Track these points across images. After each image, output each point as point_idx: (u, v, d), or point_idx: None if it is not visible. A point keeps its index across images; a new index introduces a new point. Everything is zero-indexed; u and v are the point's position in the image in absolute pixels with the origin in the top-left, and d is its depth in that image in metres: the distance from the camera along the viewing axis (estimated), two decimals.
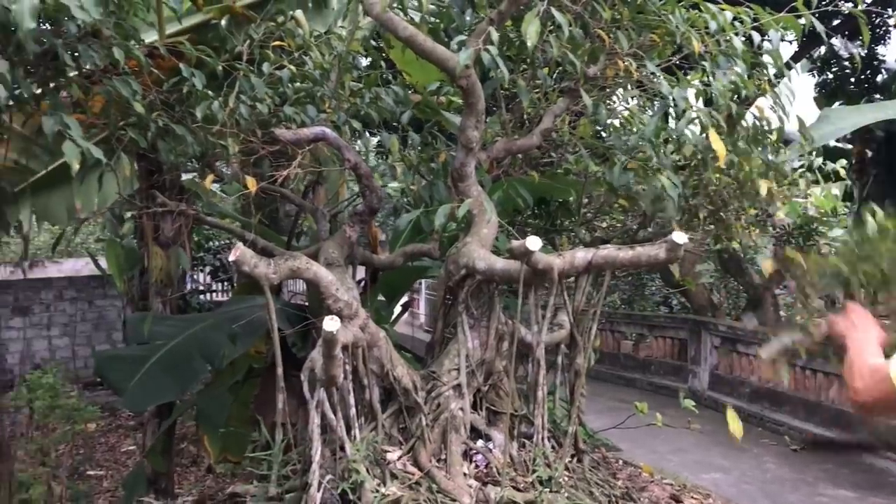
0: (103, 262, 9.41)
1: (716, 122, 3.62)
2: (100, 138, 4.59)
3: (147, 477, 6.01)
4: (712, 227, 5.05)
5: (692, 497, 4.27)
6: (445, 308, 3.97)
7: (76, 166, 3.99)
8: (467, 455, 3.63)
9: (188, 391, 4.77)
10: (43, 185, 6.25)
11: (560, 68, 4.09)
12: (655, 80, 3.71)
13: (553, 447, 3.90)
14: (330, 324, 2.89)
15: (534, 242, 3.22)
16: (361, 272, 5.63)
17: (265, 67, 4.45)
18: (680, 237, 3.36)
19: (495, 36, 3.40)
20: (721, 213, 4.87)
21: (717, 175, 4.50)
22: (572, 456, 3.95)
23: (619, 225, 5.18)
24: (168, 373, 4.60)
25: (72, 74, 3.95)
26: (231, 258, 3.23)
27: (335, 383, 3.14)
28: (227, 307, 5.77)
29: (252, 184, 4.07)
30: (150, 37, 5.91)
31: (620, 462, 4.71)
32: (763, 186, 4.31)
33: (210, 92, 4.35)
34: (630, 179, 3.97)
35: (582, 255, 3.65)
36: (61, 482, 7.42)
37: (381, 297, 5.45)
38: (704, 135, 4.14)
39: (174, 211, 6.00)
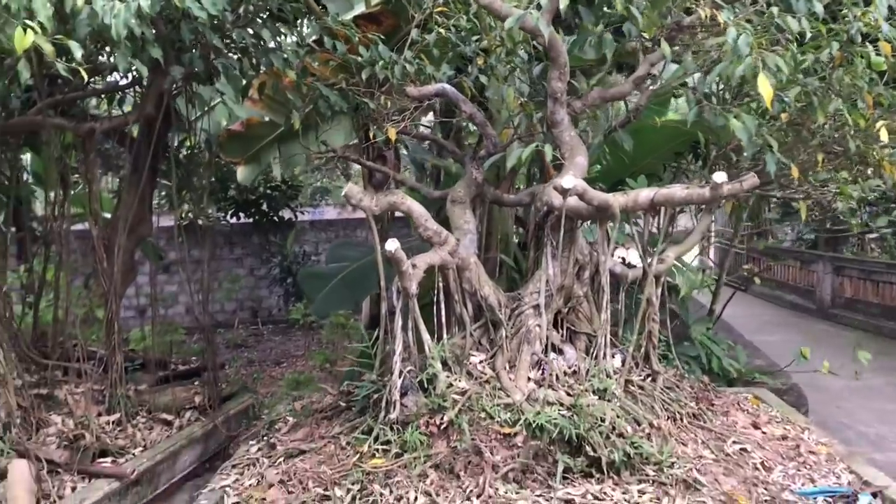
0: None
1: (782, 67, 3.71)
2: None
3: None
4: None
5: (785, 427, 4.36)
6: (536, 240, 4.53)
7: (297, 125, 5.25)
8: (539, 364, 4.23)
9: (359, 304, 5.84)
10: (286, 136, 7.69)
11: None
12: (731, 26, 3.86)
13: (636, 366, 4.38)
14: (389, 244, 3.67)
15: (568, 181, 3.69)
16: None
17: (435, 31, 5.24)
18: (720, 177, 3.62)
19: None
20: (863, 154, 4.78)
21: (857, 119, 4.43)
22: (647, 376, 4.36)
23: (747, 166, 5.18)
24: (347, 289, 5.70)
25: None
26: (342, 193, 4.12)
27: (409, 294, 3.92)
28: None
29: (392, 133, 4.93)
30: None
31: (736, 395, 4.88)
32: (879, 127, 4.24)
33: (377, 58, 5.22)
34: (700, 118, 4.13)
35: (645, 194, 4.03)
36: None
37: None
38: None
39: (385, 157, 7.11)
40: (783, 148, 4.60)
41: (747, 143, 4.00)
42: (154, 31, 4.11)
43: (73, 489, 3.97)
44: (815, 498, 3.64)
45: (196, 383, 5.72)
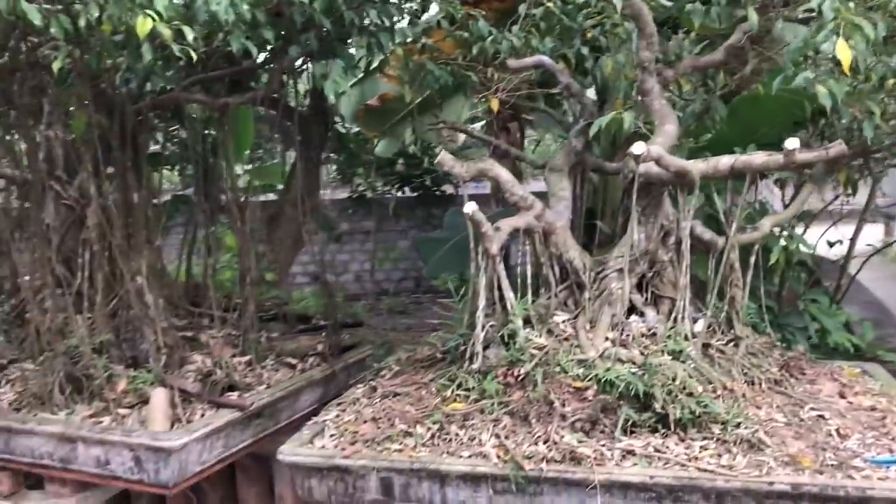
0: None
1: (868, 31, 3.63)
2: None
3: None
4: None
5: (878, 400, 4.26)
6: (623, 206, 4.68)
7: (408, 99, 5.70)
8: (619, 325, 4.41)
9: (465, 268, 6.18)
10: (417, 110, 8.15)
11: None
12: None
13: (719, 330, 4.47)
14: (467, 207, 3.98)
15: (638, 147, 3.83)
16: None
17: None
18: (791, 143, 3.65)
19: None
20: None
21: None
22: (729, 341, 4.42)
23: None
24: (457, 254, 6.08)
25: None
26: (436, 161, 4.47)
27: (490, 255, 4.22)
28: None
29: (495, 104, 5.22)
30: None
31: (834, 367, 4.77)
32: None
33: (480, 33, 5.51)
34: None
35: (726, 160, 4.09)
36: None
37: None
38: None
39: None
40: (890, 115, 4.47)
41: (837, 109, 3.96)
42: (276, 16, 4.64)
43: (202, 415, 4.61)
44: (887, 467, 3.61)
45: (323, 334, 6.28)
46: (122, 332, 5.14)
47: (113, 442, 4.29)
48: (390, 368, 5.02)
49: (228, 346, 5.52)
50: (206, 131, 6.37)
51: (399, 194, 14.17)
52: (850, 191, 6.02)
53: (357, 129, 10.48)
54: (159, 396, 4.54)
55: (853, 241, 6.99)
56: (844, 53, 3.57)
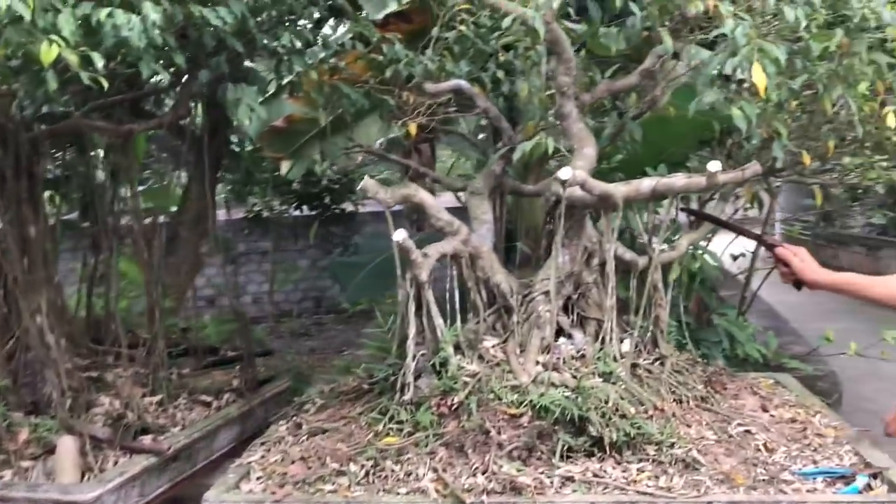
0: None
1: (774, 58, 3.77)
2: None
3: None
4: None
5: (797, 411, 4.43)
6: (547, 229, 4.69)
7: (322, 122, 5.55)
8: (549, 348, 4.40)
9: (388, 293, 6.09)
10: (326, 132, 7.98)
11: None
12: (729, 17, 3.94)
13: (645, 349, 4.52)
14: (397, 235, 3.89)
15: (564, 172, 3.85)
16: None
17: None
18: (714, 166, 3.74)
19: None
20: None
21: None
22: (655, 360, 4.49)
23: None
24: (378, 277, 5.97)
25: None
26: (359, 188, 4.36)
27: (420, 282, 4.13)
28: None
29: (413, 129, 5.16)
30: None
31: (752, 380, 4.93)
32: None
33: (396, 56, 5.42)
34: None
35: (647, 183, 4.16)
36: None
37: None
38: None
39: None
40: (795, 135, 4.66)
41: (749, 130, 4.09)
42: (182, 38, 4.43)
43: (115, 463, 4.32)
44: (814, 478, 3.73)
45: (237, 368, 6.04)
46: (20, 375, 4.77)
47: (16, 499, 3.95)
48: (314, 402, 4.84)
49: (137, 385, 5.21)
50: (93, 153, 6.03)
51: (297, 213, 13.84)
52: (753, 205, 6.28)
53: (251, 147, 10.17)
54: (67, 445, 4.23)
55: (755, 253, 7.29)
56: (760, 78, 3.69)
